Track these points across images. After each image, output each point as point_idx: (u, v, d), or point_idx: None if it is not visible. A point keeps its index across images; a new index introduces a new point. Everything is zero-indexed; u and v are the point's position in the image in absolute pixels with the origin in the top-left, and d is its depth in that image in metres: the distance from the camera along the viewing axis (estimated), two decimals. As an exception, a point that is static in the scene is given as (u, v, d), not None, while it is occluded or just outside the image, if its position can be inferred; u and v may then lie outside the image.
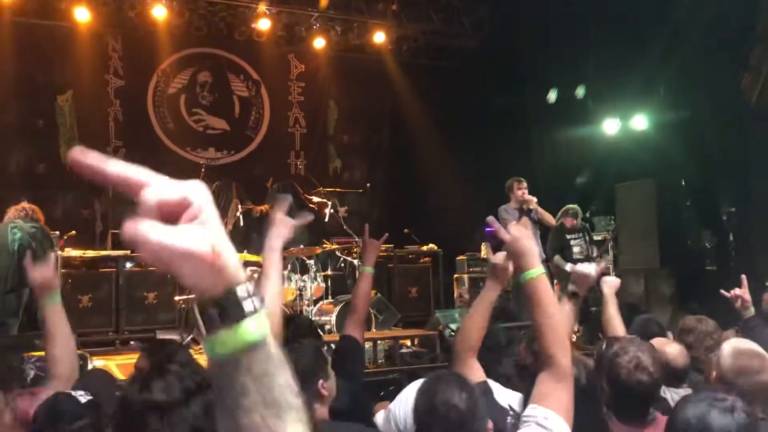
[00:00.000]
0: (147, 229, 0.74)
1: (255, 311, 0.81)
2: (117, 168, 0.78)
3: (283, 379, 0.82)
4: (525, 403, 2.25)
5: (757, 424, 1.96)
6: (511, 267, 2.75)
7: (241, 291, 0.81)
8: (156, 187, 0.78)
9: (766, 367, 2.49)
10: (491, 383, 2.66)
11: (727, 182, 8.84)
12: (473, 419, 2.05)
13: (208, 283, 0.79)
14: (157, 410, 1.69)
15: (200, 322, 0.81)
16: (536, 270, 2.23)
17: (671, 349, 3.20)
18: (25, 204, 7.22)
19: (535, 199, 7.54)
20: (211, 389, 0.86)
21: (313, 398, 2.49)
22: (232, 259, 0.81)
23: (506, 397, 2.64)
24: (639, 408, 2.52)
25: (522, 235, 2.26)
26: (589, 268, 3.08)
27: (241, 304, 0.80)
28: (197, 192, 0.79)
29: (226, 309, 0.80)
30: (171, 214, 0.77)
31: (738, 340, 2.76)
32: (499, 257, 2.81)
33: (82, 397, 2.24)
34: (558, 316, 2.24)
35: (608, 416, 2.52)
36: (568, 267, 8.12)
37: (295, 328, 3.52)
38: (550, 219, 7.75)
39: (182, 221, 0.77)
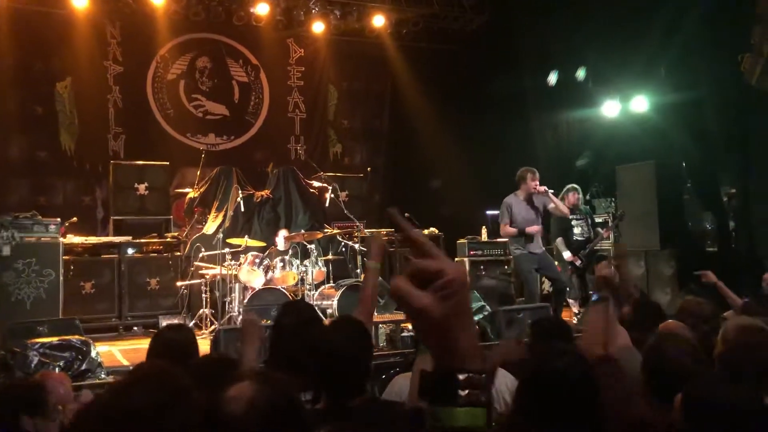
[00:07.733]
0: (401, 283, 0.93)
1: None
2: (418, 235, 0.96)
3: None
4: None
5: None
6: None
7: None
8: (425, 259, 0.94)
9: None
10: None
11: (728, 163, 8.84)
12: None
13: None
14: None
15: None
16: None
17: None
18: None
19: (546, 189, 7.53)
20: None
21: None
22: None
23: None
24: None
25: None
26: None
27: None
28: (454, 272, 0.92)
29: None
30: (426, 281, 0.92)
31: (742, 317, 2.75)
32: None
33: None
34: None
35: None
36: (565, 255, 8.18)
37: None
38: (564, 209, 7.78)
39: (430, 288, 0.92)
